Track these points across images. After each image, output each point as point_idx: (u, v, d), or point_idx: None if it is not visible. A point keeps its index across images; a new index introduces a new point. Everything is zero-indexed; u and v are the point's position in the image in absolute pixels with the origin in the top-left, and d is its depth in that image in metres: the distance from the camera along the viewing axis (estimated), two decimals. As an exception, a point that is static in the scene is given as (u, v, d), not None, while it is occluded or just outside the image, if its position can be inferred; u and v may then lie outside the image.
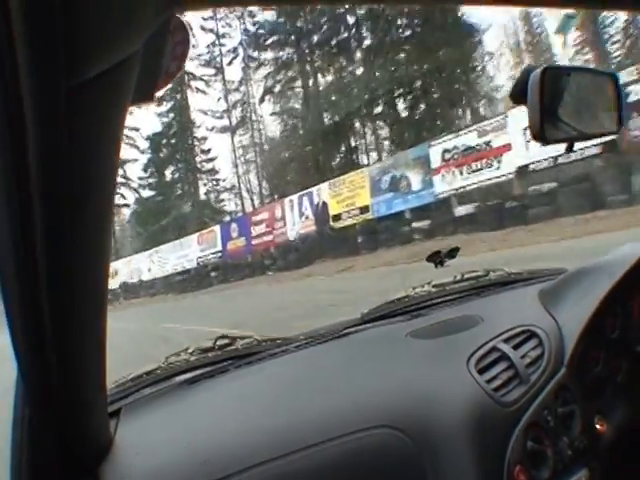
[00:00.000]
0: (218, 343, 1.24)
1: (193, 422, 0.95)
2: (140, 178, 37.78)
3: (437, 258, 2.00)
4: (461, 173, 16.25)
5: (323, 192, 20.89)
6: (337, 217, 20.15)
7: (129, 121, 38.45)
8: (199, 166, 36.71)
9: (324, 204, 20.65)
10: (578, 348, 1.11)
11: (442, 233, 15.79)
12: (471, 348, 1.07)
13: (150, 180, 37.45)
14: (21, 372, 0.66)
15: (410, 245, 16.33)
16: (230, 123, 35.76)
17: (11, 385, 0.74)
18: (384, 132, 27.67)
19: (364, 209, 19.08)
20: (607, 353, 1.18)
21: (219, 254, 25.95)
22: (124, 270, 32.03)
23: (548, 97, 0.88)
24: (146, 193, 37.83)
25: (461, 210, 15.93)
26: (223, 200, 36.97)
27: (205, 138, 36.61)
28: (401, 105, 25.60)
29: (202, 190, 36.84)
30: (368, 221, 18.86)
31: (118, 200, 38.92)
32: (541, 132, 0.88)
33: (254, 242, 23.89)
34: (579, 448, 1.02)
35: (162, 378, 1.13)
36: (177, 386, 1.11)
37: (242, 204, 35.03)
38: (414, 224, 17.09)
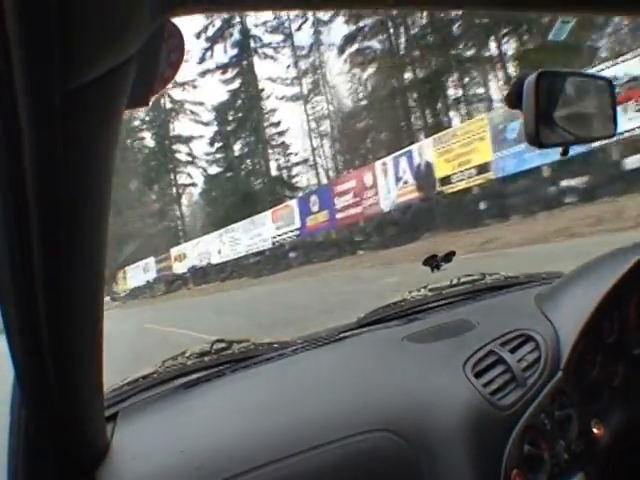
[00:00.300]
0: (215, 347, 1.25)
1: (189, 426, 0.96)
2: (207, 154, 35.68)
3: (433, 262, 1.76)
4: (625, 112, 11.82)
5: (426, 150, 16.85)
6: (446, 180, 16.06)
7: (192, 95, 37.61)
8: (269, 139, 34.00)
9: (428, 165, 16.62)
10: (575, 352, 1.12)
11: (609, 193, 11.55)
12: (467, 352, 1.07)
13: (217, 155, 34.96)
14: (18, 376, 0.66)
15: (559, 210, 12.21)
16: (301, 90, 32.66)
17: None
18: (494, 79, 23.21)
19: (482, 168, 14.91)
20: (604, 357, 1.19)
21: (297, 232, 22.56)
22: (193, 253, 29.63)
23: (544, 101, 0.89)
24: (213, 170, 35.56)
25: (633, 161, 11.58)
26: (297, 175, 34.26)
27: (275, 110, 34.06)
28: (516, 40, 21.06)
29: (273, 165, 34.32)
30: (489, 182, 14.73)
31: (185, 180, 37.27)
32: (536, 136, 0.88)
33: (339, 216, 20.19)
34: (576, 452, 1.03)
35: (159, 382, 1.14)
36: (174, 390, 1.11)
37: (317, 178, 31.83)
38: (563, 183, 12.82)
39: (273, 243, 23.79)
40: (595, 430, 1.09)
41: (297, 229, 22.54)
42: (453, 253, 1.74)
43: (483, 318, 1.22)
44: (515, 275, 1.53)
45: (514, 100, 0.90)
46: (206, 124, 35.70)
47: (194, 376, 1.14)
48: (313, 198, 22.03)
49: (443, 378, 1.01)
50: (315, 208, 21.49)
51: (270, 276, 20.81)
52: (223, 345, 1.25)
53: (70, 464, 0.75)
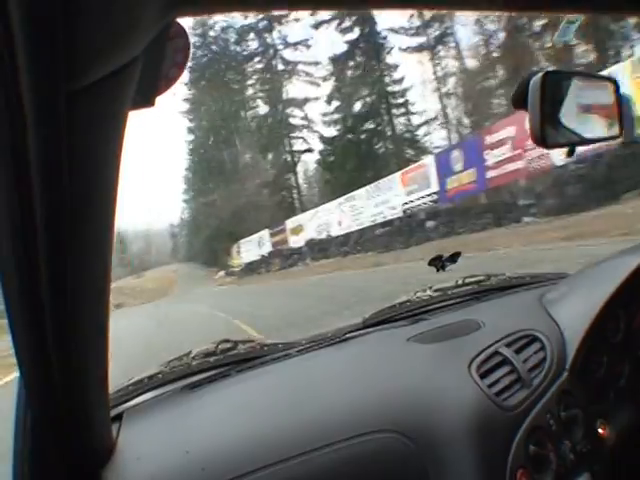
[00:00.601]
0: (220, 347, 1.25)
1: (194, 427, 0.96)
2: (324, 115, 32.59)
3: (438, 262, 1.79)
4: None
5: (623, 75, 12.39)
6: (657, 116, 11.59)
7: (306, 55, 34.59)
8: (392, 96, 30.46)
9: (624, 99, 12.15)
10: (580, 352, 1.12)
11: None
12: (472, 352, 1.07)
13: (335, 116, 31.89)
14: (23, 375, 0.66)
15: None
16: (427, 42, 28.85)
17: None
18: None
19: None
20: (609, 357, 1.18)
21: (434, 196, 18.84)
22: (310, 225, 26.98)
23: (549, 102, 0.89)
24: (331, 132, 32.47)
25: None
26: (425, 135, 30.35)
27: (397, 65, 30.60)
28: None
29: (397, 125, 30.64)
30: None
31: (300, 145, 34.91)
32: (542, 137, 0.88)
33: (490, 174, 16.13)
34: (581, 452, 1.02)
35: (164, 382, 1.15)
36: (179, 391, 1.11)
37: (449, 139, 27.77)
38: None
39: (404, 211, 20.29)
40: (601, 430, 1.09)
41: (434, 193, 18.84)
42: (459, 253, 1.69)
43: (488, 319, 1.22)
44: (520, 275, 1.54)
45: (519, 100, 0.89)
46: (322, 83, 33.15)
47: (199, 377, 1.15)
48: (455, 154, 17.96)
49: (448, 379, 1.01)
50: (458, 167, 17.50)
51: (402, 250, 17.34)
52: (228, 345, 1.26)
53: (76, 464, 0.76)
